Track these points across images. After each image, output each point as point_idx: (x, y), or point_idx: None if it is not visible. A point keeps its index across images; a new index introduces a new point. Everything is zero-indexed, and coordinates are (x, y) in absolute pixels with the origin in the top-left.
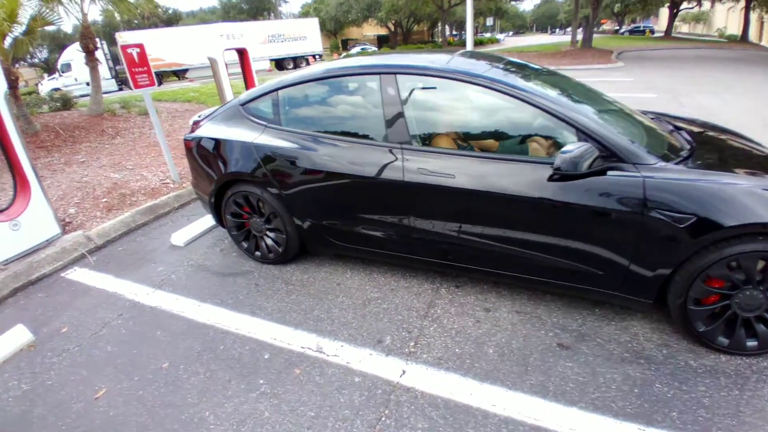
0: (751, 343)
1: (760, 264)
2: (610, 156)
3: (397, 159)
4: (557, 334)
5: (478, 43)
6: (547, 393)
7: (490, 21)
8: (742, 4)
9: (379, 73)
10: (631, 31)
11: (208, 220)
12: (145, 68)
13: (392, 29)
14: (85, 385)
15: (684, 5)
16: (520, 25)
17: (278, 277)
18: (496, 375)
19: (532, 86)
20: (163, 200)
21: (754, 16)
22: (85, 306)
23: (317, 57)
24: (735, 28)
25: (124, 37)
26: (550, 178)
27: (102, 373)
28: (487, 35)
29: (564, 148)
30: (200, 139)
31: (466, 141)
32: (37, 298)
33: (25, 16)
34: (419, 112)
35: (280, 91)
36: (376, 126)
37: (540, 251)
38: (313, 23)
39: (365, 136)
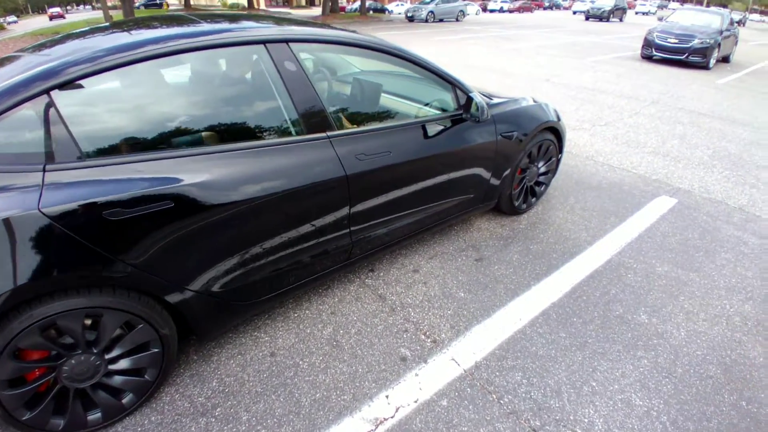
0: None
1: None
2: None
3: (328, 150)
4: (469, 254)
5: None
6: None
7: None
8: None
9: (263, 42)
10: (146, 5)
11: None
12: None
13: None
14: None
15: None
16: (13, 9)
17: (183, 425)
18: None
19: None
20: None
21: None
22: None
23: None
24: None
25: None
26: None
27: None
28: None
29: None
30: None
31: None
32: None
33: None
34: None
35: (55, 94)
36: (274, 117)
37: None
38: None
39: (266, 134)
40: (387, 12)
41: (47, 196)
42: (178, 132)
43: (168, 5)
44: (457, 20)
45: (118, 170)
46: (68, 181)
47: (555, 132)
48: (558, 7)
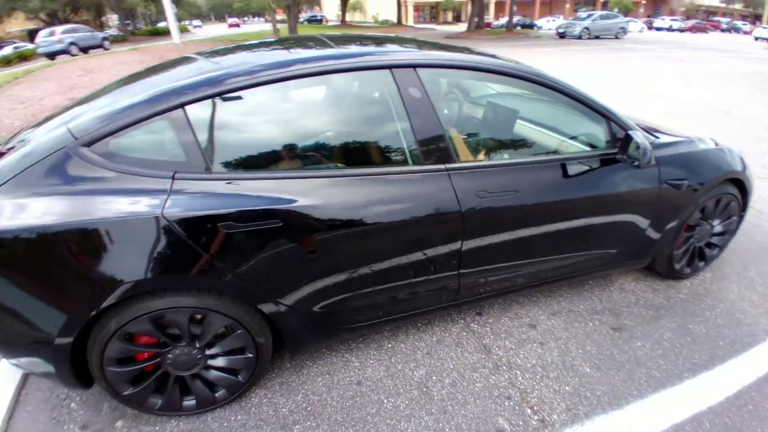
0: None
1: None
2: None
3: (445, 183)
4: (605, 319)
5: (163, 32)
6: None
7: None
8: None
9: (389, 67)
10: (309, 20)
11: None
12: None
13: (47, 21)
14: None
15: None
16: (197, 14)
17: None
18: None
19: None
20: None
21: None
22: None
23: None
24: (384, 14)
25: None
26: None
27: None
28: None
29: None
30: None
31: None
32: None
33: None
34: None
35: (188, 108)
36: (392, 145)
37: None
38: None
39: (381, 162)
40: (536, 28)
41: (171, 203)
42: (297, 153)
43: (327, 21)
44: (616, 37)
45: (238, 186)
46: (192, 191)
47: (739, 184)
48: (737, 30)
